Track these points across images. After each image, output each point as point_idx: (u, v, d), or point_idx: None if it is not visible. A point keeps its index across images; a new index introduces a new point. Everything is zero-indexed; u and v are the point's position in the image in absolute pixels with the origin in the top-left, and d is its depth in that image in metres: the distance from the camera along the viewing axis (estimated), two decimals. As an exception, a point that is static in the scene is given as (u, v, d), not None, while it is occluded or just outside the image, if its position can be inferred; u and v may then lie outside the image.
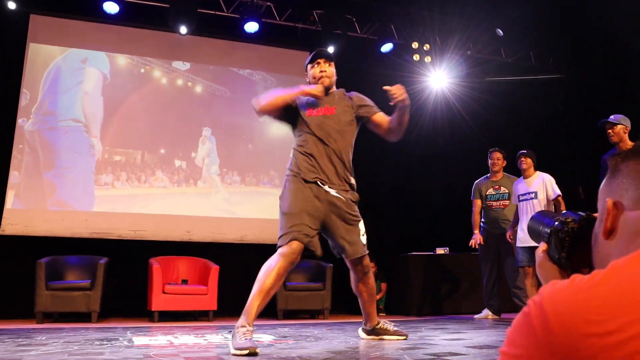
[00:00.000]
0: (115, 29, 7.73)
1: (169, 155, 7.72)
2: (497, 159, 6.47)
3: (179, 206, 7.59)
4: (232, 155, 8.00)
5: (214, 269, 6.60)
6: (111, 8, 7.28)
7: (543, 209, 5.64)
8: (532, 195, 5.75)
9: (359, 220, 3.63)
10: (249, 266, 7.45)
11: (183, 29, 7.54)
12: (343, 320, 6.46)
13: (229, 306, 6.88)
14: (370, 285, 3.80)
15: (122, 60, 7.77)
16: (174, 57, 8.01)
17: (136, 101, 7.71)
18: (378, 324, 3.83)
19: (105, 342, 3.55)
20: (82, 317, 6.10)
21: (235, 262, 7.30)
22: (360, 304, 3.86)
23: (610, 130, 5.11)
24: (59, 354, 2.92)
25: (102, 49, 7.67)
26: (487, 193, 6.52)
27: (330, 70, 3.73)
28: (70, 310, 6.05)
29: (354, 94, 3.83)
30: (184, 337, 3.98)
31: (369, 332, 3.86)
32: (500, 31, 8.05)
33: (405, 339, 3.68)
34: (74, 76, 7.49)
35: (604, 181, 0.89)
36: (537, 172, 5.90)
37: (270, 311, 6.85)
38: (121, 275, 6.78)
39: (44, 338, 3.83)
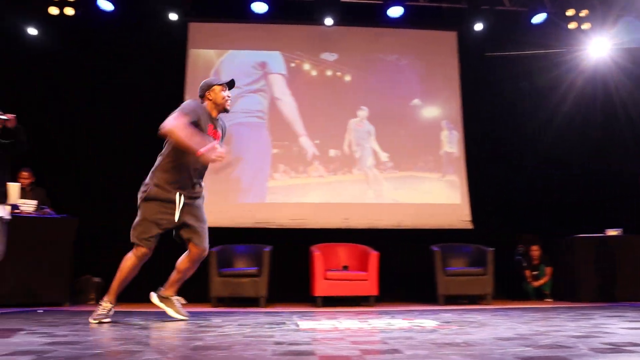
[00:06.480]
0: (264, 27, 8.08)
1: (324, 145, 7.91)
2: None
3: (335, 194, 7.76)
4: (385, 141, 7.99)
5: (374, 254, 6.65)
6: (260, 8, 7.63)
7: None
8: None
9: None
10: (407, 251, 7.45)
11: (329, 21, 7.68)
12: (507, 305, 6.19)
13: (390, 291, 6.91)
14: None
15: (278, 57, 8.10)
16: (321, 49, 8.18)
17: (288, 95, 7.99)
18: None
19: (274, 326, 3.71)
20: (251, 301, 6.46)
21: (394, 247, 7.29)
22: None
23: None
24: (234, 335, 3.10)
25: (255, 48, 8.06)
26: None
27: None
28: (240, 295, 6.45)
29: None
30: (348, 322, 4.04)
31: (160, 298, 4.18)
32: None
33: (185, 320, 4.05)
34: (248, 77, 7.98)
35: None
36: None
37: (430, 296, 6.78)
38: (285, 263, 7.07)
39: (220, 321, 4.11)
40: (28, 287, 5.75)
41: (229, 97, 4.11)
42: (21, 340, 2.84)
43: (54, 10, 7.35)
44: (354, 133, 7.96)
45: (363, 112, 8.01)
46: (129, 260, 3.89)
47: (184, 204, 3.94)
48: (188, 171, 3.94)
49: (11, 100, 5.45)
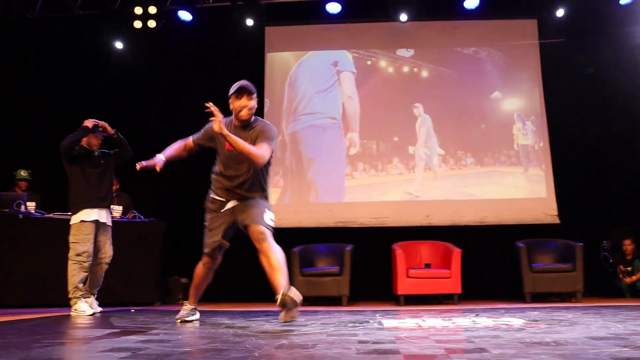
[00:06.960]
0: (339, 27, 8.11)
1: (403, 143, 7.84)
2: None
3: (415, 191, 7.68)
4: (465, 136, 7.82)
5: (456, 252, 6.53)
6: (333, 8, 7.66)
7: None
8: None
9: None
10: (491, 248, 7.26)
11: (403, 16, 7.61)
12: (599, 303, 5.91)
13: (473, 289, 6.76)
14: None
15: (348, 55, 8.12)
16: (397, 46, 8.11)
17: (365, 93, 7.98)
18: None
19: (357, 324, 3.73)
20: (334, 300, 6.50)
21: (477, 244, 7.13)
22: None
23: None
24: (318, 334, 3.14)
25: (330, 48, 8.11)
26: None
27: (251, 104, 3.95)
28: (322, 295, 6.50)
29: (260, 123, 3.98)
30: (432, 320, 3.99)
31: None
32: None
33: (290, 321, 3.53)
34: (322, 78, 8.07)
35: None
36: None
37: (516, 294, 6.58)
38: (366, 261, 7.07)
39: (303, 320, 4.16)
40: (121, 287, 6.04)
41: (242, 106, 3.91)
42: (118, 337, 2.99)
43: (137, 24, 7.68)
44: (422, 132, 7.86)
45: (418, 109, 7.89)
46: (198, 268, 4.06)
47: (235, 205, 3.90)
48: (227, 175, 3.89)
49: (100, 112, 5.74)
